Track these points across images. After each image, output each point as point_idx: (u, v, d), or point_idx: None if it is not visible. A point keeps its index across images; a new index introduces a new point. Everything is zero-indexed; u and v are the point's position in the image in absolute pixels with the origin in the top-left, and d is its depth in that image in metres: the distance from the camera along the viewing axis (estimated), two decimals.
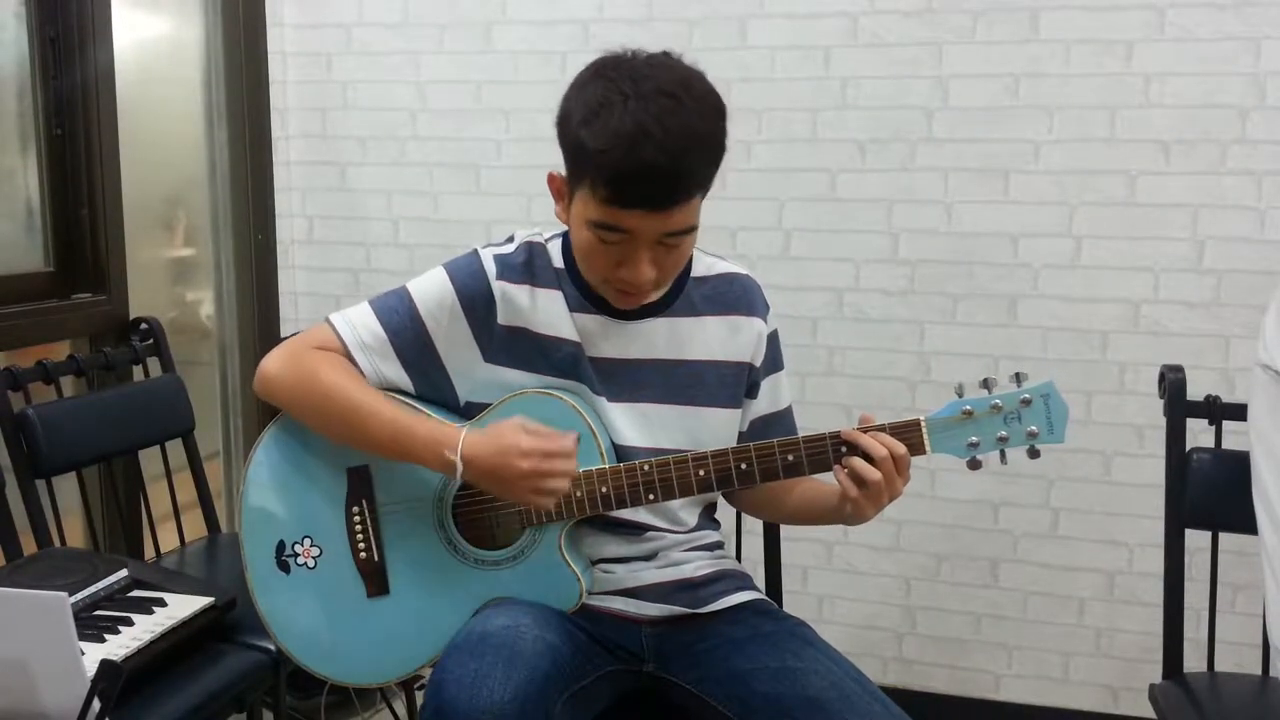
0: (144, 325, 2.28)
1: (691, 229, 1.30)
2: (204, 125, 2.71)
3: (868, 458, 1.30)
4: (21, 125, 2.23)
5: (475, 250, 1.43)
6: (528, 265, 1.41)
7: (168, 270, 2.68)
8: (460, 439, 1.32)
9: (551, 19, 2.58)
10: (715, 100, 1.28)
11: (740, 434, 1.49)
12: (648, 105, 1.22)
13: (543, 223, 2.58)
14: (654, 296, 1.40)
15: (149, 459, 2.16)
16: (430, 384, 1.43)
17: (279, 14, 2.75)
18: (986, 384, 1.32)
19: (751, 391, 1.49)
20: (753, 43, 2.47)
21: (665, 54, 1.31)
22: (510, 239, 1.45)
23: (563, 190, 1.36)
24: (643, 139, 1.21)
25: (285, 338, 2.56)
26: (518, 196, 2.65)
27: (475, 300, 1.40)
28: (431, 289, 1.42)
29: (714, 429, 1.44)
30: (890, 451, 1.29)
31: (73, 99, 2.24)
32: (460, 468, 1.31)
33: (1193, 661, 1.75)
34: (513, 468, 1.29)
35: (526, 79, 2.60)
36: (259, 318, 2.78)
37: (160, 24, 2.62)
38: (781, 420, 1.52)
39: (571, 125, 1.27)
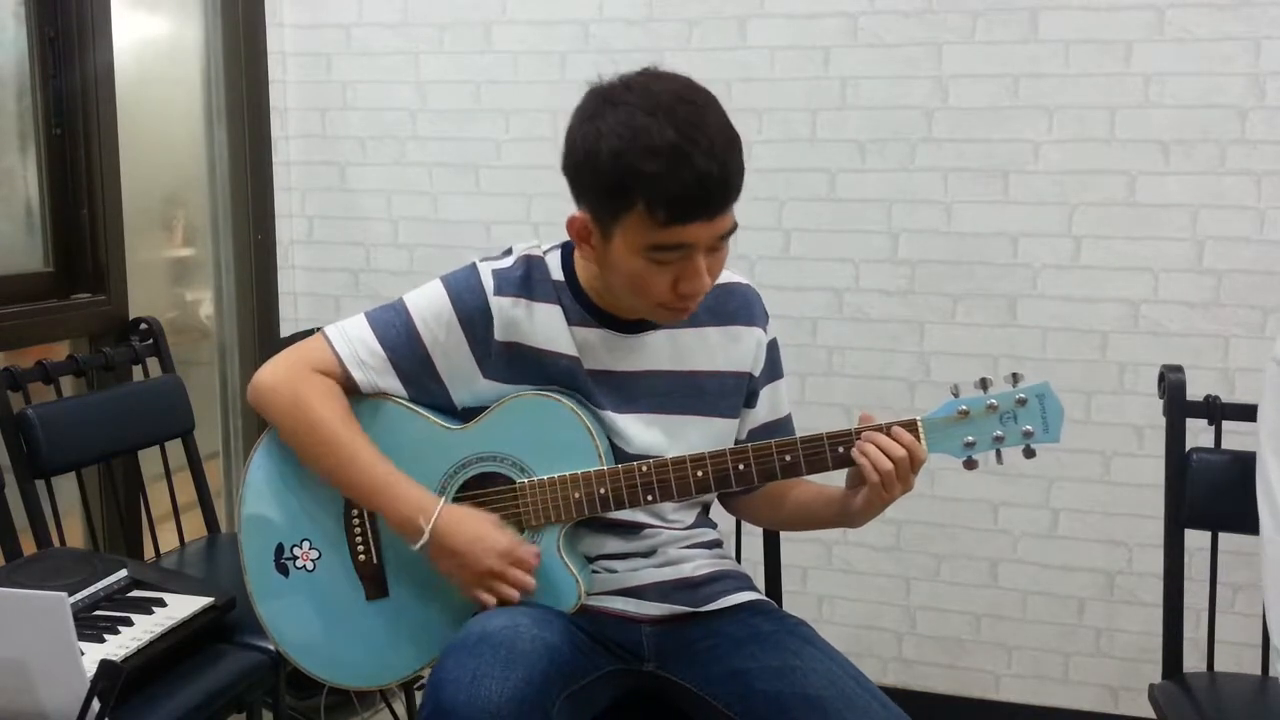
0: (144, 325, 2.28)
1: (736, 226, 1.31)
2: (204, 125, 2.71)
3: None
4: (21, 125, 2.23)
5: (473, 264, 1.43)
6: (525, 280, 1.41)
7: (167, 270, 2.68)
8: (435, 510, 1.34)
9: (551, 19, 2.58)
10: (715, 97, 1.29)
11: (738, 442, 1.49)
12: (677, 116, 1.22)
13: (542, 223, 2.61)
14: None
15: (149, 459, 2.16)
16: (426, 393, 1.43)
17: (279, 14, 2.75)
18: (983, 384, 1.32)
19: (750, 401, 1.49)
20: (753, 43, 2.47)
21: (648, 68, 1.30)
22: (508, 252, 1.45)
23: (589, 230, 1.32)
24: (691, 149, 1.21)
25: (285, 339, 2.57)
26: (518, 197, 2.65)
27: (473, 316, 1.40)
28: (429, 304, 1.41)
29: (714, 438, 1.44)
30: (910, 452, 1.29)
31: (72, 99, 2.24)
32: (426, 537, 1.34)
33: (1192, 661, 1.75)
34: (481, 562, 1.33)
35: (526, 79, 2.60)
36: (258, 318, 2.78)
37: (160, 24, 2.62)
38: (781, 428, 1.52)
39: (604, 159, 1.24)
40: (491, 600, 1.34)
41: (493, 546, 1.33)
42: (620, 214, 1.26)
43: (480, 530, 1.34)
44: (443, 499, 1.37)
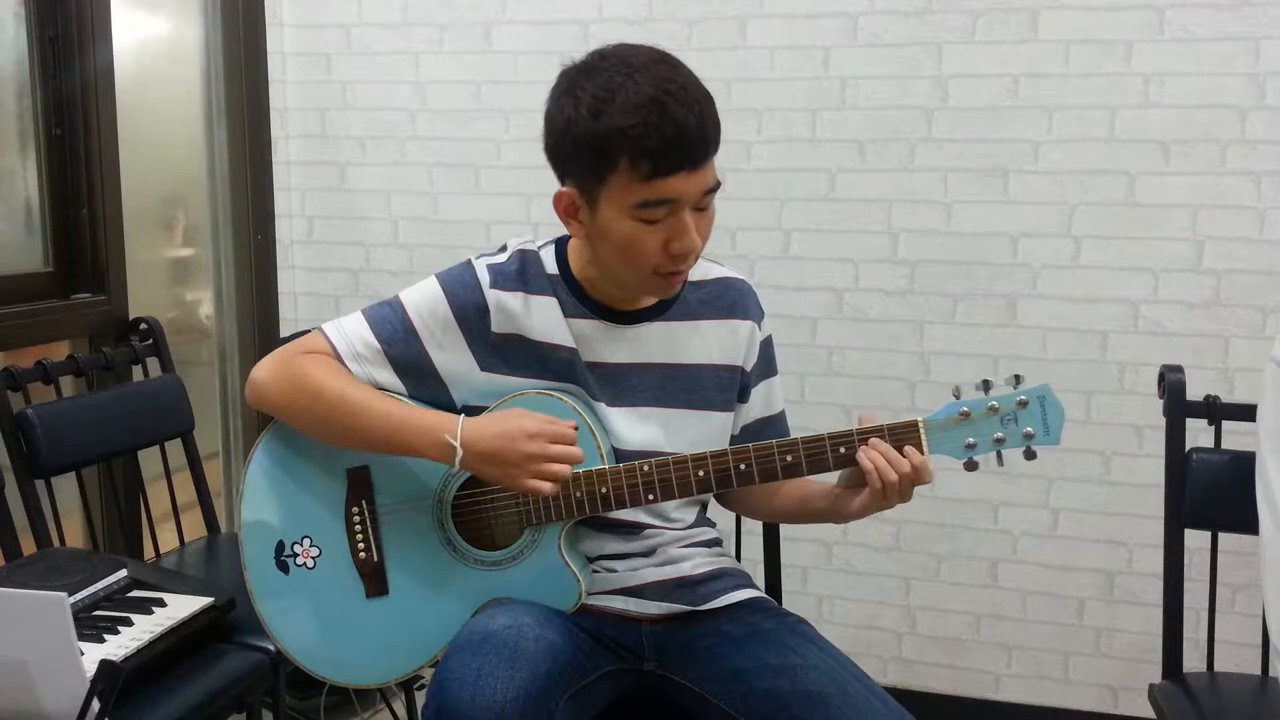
0: (143, 325, 2.28)
1: (719, 184, 1.32)
2: (204, 125, 2.71)
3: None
4: (21, 125, 2.23)
5: (469, 260, 1.43)
6: (521, 273, 1.41)
7: (167, 270, 2.68)
8: (459, 423, 1.33)
9: (551, 19, 2.58)
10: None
11: (732, 438, 1.50)
12: (651, 74, 1.25)
13: (543, 223, 2.61)
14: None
15: (148, 459, 2.16)
16: (425, 390, 1.43)
17: (279, 14, 2.75)
18: (984, 385, 1.32)
19: (743, 395, 1.49)
20: (752, 43, 2.47)
21: (620, 43, 1.32)
22: (503, 248, 1.45)
23: (576, 203, 1.33)
24: (667, 99, 1.23)
25: (284, 338, 2.57)
26: (518, 196, 2.65)
27: (469, 310, 1.40)
28: (424, 299, 1.42)
29: (709, 432, 1.45)
30: (916, 472, 1.30)
31: (72, 99, 2.24)
32: (459, 452, 1.31)
33: (1192, 661, 1.76)
34: (516, 450, 1.30)
35: (526, 79, 2.60)
36: (258, 318, 2.78)
37: (160, 24, 2.62)
38: (774, 424, 1.53)
39: (580, 126, 1.26)
40: (545, 487, 1.30)
41: (521, 431, 1.30)
42: (605, 175, 1.27)
43: (505, 424, 1.32)
44: (462, 415, 1.36)
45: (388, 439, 1.37)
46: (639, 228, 1.29)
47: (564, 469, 1.31)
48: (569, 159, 1.31)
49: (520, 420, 1.32)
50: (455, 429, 1.32)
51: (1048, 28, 2.30)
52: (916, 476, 1.30)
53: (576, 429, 1.34)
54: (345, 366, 1.41)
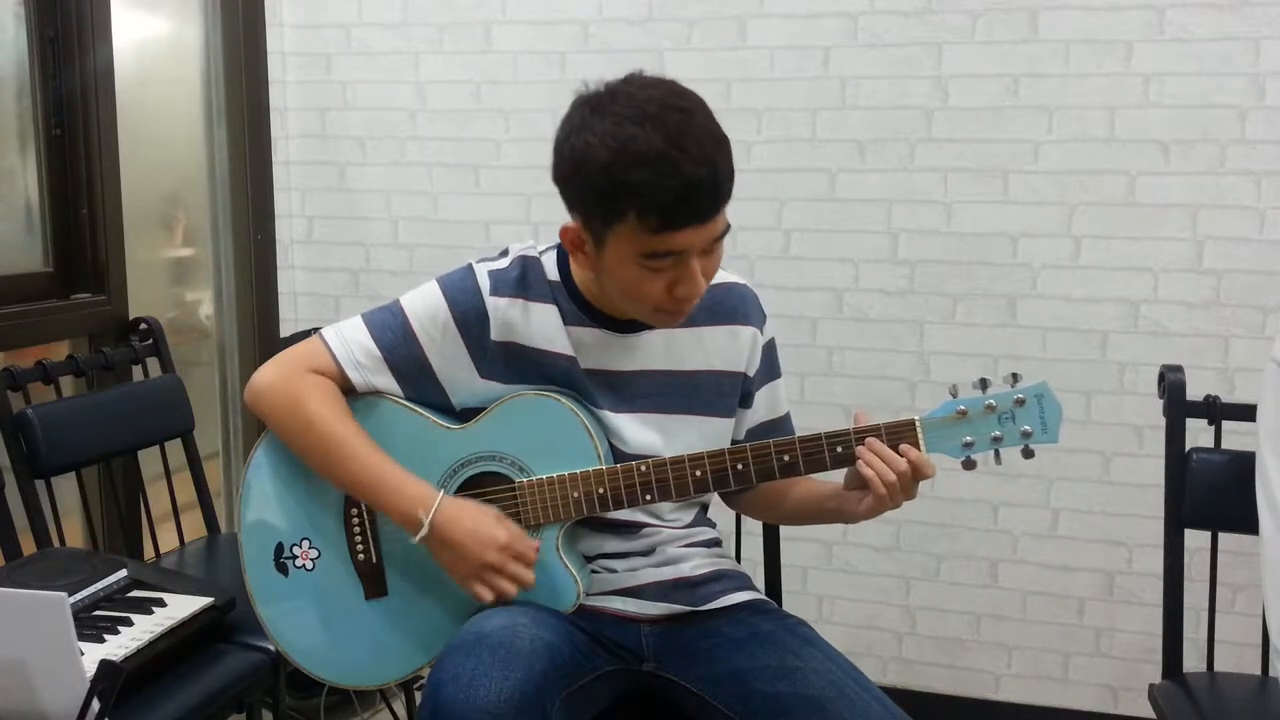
0: (143, 325, 2.28)
1: (729, 228, 1.31)
2: (203, 125, 2.71)
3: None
4: (21, 125, 2.23)
5: (469, 265, 1.43)
6: (522, 280, 1.41)
7: (167, 270, 2.68)
8: (436, 502, 1.34)
9: (551, 19, 2.58)
10: (702, 99, 1.29)
11: (735, 441, 1.49)
12: (665, 125, 1.22)
13: (542, 222, 2.61)
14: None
15: (148, 459, 2.16)
16: (424, 393, 1.43)
17: (279, 14, 2.75)
18: (982, 384, 1.32)
19: (745, 401, 1.49)
20: (752, 43, 2.47)
21: (636, 74, 1.30)
22: (504, 253, 1.45)
23: (582, 239, 1.32)
24: (679, 157, 1.21)
25: (285, 339, 2.57)
26: (517, 197, 2.65)
27: (469, 316, 1.40)
28: (425, 304, 1.42)
29: (708, 437, 1.44)
30: (915, 468, 1.29)
31: (72, 99, 2.24)
32: (425, 531, 1.33)
33: (1192, 661, 1.75)
34: (479, 555, 1.32)
35: (526, 79, 2.60)
36: (258, 318, 2.78)
37: (160, 24, 2.62)
38: (780, 426, 1.53)
39: (593, 169, 1.24)
40: (488, 595, 1.34)
41: (492, 540, 1.32)
42: (612, 223, 1.26)
43: (480, 523, 1.34)
44: (442, 491, 1.37)
45: (364, 491, 1.39)
46: (643, 273, 1.28)
47: (511, 588, 1.33)
48: (577, 198, 1.30)
49: (495, 527, 1.33)
50: (430, 507, 1.34)
51: (1048, 28, 2.30)
52: (916, 473, 1.29)
53: (538, 550, 1.36)
54: (346, 375, 1.42)
